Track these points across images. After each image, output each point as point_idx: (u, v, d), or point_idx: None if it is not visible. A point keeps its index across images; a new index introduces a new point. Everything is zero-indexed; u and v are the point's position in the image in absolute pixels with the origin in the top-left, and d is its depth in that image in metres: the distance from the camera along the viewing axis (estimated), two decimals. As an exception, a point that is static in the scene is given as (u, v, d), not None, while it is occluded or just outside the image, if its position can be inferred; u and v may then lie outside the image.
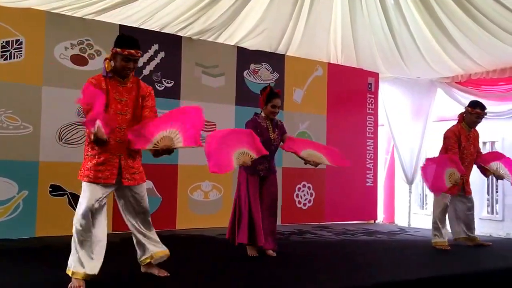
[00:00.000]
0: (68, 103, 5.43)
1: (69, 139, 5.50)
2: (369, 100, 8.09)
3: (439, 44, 6.69)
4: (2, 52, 5.16)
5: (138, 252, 3.42)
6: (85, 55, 5.64)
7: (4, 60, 5.18)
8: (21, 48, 5.27)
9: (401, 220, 8.56)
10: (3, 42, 5.17)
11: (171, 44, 6.24)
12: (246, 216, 4.27)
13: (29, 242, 4.92)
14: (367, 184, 8.04)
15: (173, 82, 6.25)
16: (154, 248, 3.38)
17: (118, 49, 3.15)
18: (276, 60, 7.12)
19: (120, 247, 4.25)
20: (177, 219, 6.22)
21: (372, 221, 8.19)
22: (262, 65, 6.99)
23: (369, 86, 8.07)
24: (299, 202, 7.28)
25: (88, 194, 3.11)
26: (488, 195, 8.01)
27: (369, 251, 5.18)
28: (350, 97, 7.87)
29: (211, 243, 5.26)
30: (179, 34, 6.31)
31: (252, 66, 6.91)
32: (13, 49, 5.22)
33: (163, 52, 6.17)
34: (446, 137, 5.26)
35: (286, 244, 5.25)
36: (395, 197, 8.85)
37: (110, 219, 5.29)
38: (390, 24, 6.49)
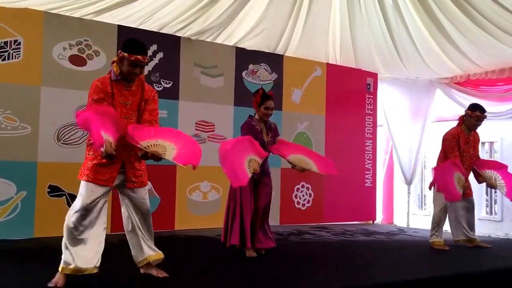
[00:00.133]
0: (67, 103, 5.46)
1: (67, 139, 5.49)
2: (368, 101, 8.09)
3: (437, 44, 6.69)
4: (0, 52, 5.16)
5: (133, 251, 3.41)
6: (84, 55, 5.63)
7: (2, 60, 5.17)
8: (19, 48, 5.25)
9: (400, 221, 8.56)
10: (1, 42, 5.16)
11: (169, 44, 6.24)
12: (238, 218, 4.34)
13: (27, 243, 4.90)
14: (366, 185, 8.04)
15: (172, 82, 6.24)
16: (150, 252, 3.38)
17: (125, 54, 3.14)
18: (275, 61, 7.12)
19: (119, 248, 4.23)
20: (175, 219, 6.21)
21: (371, 222, 8.18)
22: (261, 65, 6.99)
23: (368, 86, 8.08)
24: (298, 203, 7.28)
25: (84, 193, 3.12)
26: (487, 195, 8.02)
27: (368, 252, 5.18)
28: (349, 97, 7.87)
29: (210, 244, 5.25)
30: (178, 34, 6.31)
31: (251, 66, 6.90)
32: (11, 50, 5.21)
33: (161, 53, 6.16)
34: (445, 139, 5.26)
35: (285, 245, 5.25)
36: (394, 198, 8.85)
37: (109, 220, 5.31)
38: (389, 25, 6.50)
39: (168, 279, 3.34)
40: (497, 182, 5.19)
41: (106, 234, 3.24)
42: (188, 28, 6.23)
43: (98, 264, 3.15)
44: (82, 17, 5.66)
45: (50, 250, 4.49)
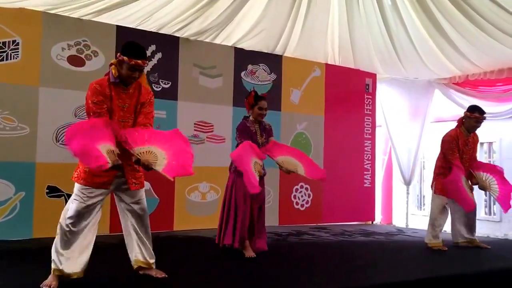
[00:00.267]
0: (65, 104, 5.45)
1: (66, 140, 5.47)
2: (366, 101, 8.09)
3: (436, 45, 6.69)
4: (-2, 52, 5.16)
5: (128, 253, 3.40)
6: (82, 56, 5.62)
7: (1, 60, 5.16)
8: (17, 48, 5.25)
9: (398, 221, 8.55)
10: (0, 42, 5.16)
11: (168, 45, 6.23)
12: (232, 218, 4.37)
13: (26, 243, 4.89)
14: (365, 185, 8.03)
15: (171, 83, 6.24)
16: (139, 256, 3.34)
17: (125, 58, 3.12)
18: (273, 61, 7.12)
19: (118, 248, 4.23)
20: (174, 220, 6.20)
21: (370, 222, 8.18)
22: (259, 66, 6.99)
23: (367, 87, 8.08)
24: (297, 203, 7.27)
25: (80, 197, 3.10)
26: (486, 196, 8.01)
27: (367, 252, 5.18)
28: (347, 98, 7.87)
29: (209, 244, 5.23)
30: (177, 35, 6.30)
31: (250, 67, 6.90)
32: (10, 50, 5.21)
33: (160, 53, 6.15)
34: (444, 141, 5.25)
35: (284, 245, 5.25)
36: (393, 198, 8.85)
37: (108, 220, 5.31)
38: (388, 25, 6.50)
39: (167, 280, 3.34)
40: (491, 186, 5.14)
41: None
42: (187, 28, 6.23)
43: (85, 268, 3.14)
44: (81, 18, 5.65)
45: (49, 250, 4.48)
